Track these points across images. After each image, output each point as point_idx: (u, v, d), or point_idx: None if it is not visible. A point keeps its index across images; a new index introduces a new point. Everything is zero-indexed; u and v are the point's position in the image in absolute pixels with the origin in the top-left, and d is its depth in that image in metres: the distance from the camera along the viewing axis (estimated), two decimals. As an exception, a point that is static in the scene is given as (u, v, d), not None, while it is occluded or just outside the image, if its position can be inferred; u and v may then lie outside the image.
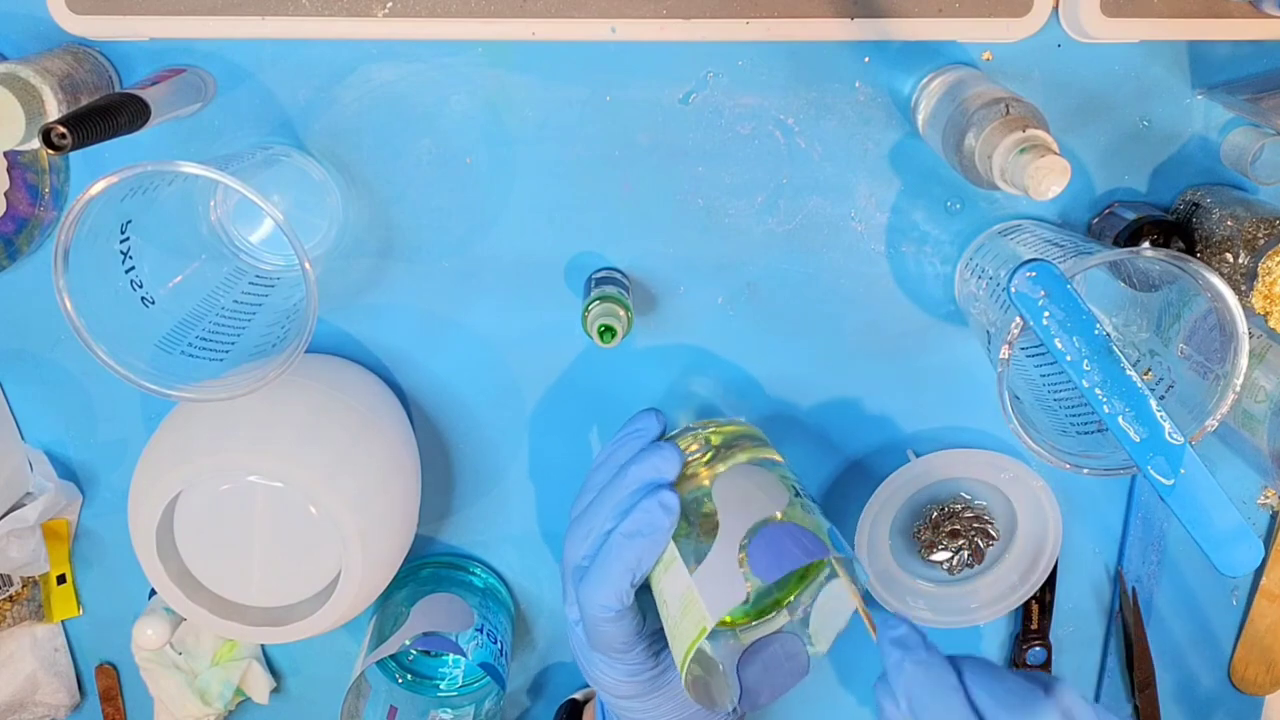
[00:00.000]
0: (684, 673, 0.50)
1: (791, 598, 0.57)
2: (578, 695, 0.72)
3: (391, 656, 0.71)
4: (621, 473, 0.53)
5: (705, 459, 0.55)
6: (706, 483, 0.53)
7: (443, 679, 0.72)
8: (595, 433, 0.68)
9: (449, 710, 0.70)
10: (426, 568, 0.71)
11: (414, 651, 0.72)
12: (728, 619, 0.56)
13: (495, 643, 0.66)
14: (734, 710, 0.54)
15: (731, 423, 0.59)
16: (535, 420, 0.68)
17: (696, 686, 0.52)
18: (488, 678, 0.71)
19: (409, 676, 0.72)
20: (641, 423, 0.56)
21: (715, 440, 0.57)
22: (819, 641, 0.56)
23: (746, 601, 0.52)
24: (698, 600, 0.49)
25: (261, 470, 0.58)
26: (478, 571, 0.72)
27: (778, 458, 0.57)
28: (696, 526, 0.52)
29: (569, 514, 0.55)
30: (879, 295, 0.65)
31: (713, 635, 0.55)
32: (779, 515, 0.51)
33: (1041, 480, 0.67)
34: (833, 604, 0.55)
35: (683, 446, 0.56)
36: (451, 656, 0.73)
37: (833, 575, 0.55)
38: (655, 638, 0.55)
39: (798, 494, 0.53)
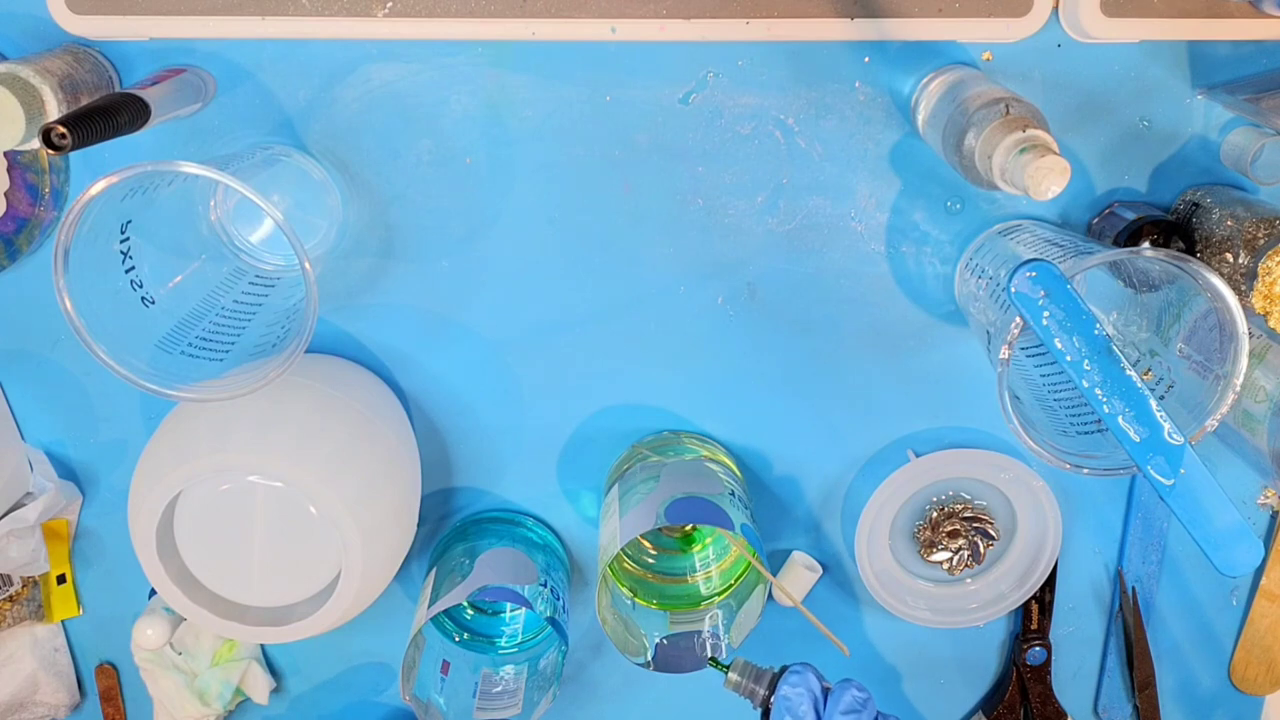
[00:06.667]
0: (599, 602, 0.61)
1: (724, 595, 0.66)
2: None
3: (448, 615, 0.71)
4: None
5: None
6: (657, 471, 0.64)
7: (500, 636, 0.72)
8: (595, 433, 0.68)
9: (507, 667, 0.70)
10: (482, 522, 0.70)
11: (470, 611, 0.72)
12: (671, 605, 0.67)
13: (558, 598, 0.66)
14: (647, 664, 0.63)
15: (707, 444, 0.68)
16: (535, 420, 0.68)
17: (610, 628, 0.62)
18: (544, 635, 0.71)
19: (465, 635, 0.72)
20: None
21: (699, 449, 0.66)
22: (735, 636, 0.64)
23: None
24: (618, 531, 0.60)
25: (261, 470, 0.58)
26: (535, 528, 0.71)
27: (735, 471, 0.67)
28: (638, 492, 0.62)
29: None
30: (879, 295, 0.65)
31: (645, 613, 0.66)
32: (702, 494, 0.61)
33: (1041, 480, 0.67)
34: (754, 606, 0.63)
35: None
36: (509, 614, 0.72)
37: (759, 582, 0.63)
38: None
39: (734, 495, 0.62)
